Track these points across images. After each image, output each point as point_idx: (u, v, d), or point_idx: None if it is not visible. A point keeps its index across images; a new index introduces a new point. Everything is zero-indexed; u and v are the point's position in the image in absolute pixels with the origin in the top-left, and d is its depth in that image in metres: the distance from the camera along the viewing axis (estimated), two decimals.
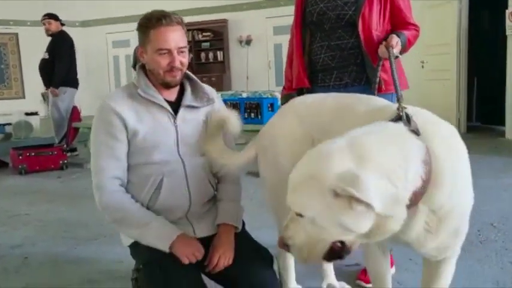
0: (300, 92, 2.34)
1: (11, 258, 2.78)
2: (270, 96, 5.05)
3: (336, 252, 1.25)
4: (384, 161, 1.19)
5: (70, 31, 12.49)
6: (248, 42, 11.08)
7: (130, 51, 12.60)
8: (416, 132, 1.32)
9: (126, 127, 1.86)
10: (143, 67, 1.96)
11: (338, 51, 2.21)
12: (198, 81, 2.03)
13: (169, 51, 1.84)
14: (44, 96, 6.31)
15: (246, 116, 4.67)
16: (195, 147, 1.93)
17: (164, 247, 1.73)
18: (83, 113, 6.74)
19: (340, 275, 2.33)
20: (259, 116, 4.64)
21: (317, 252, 1.26)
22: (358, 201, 1.13)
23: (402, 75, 2.24)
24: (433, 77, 7.23)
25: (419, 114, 1.42)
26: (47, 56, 5.99)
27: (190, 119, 1.95)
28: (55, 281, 2.42)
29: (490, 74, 7.29)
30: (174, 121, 1.92)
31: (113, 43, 12.95)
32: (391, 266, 2.61)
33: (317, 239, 1.23)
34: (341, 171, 1.16)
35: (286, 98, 2.40)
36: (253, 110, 4.66)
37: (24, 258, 2.76)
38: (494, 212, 3.16)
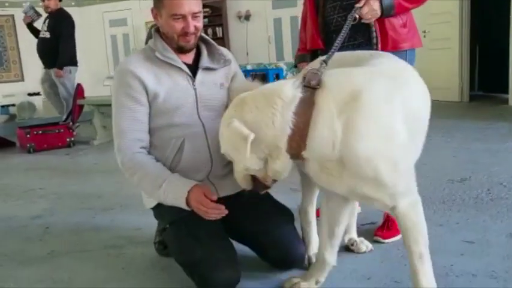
0: (314, 53, 2.36)
1: (33, 228, 2.84)
2: (274, 67, 5.06)
3: (254, 184, 1.57)
4: (255, 112, 1.43)
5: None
6: (247, 17, 10.99)
7: (127, 30, 12.56)
8: (311, 86, 1.42)
9: (146, 89, 1.88)
10: (158, 30, 1.98)
11: (351, 11, 2.18)
12: (214, 43, 2.05)
13: (184, 17, 1.86)
14: (43, 78, 6.19)
15: None
16: (214, 109, 1.96)
17: (181, 204, 1.77)
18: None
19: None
20: None
21: (241, 181, 1.58)
22: (237, 133, 1.41)
23: (416, 33, 2.27)
24: (435, 46, 7.22)
25: (348, 72, 1.51)
26: (48, 35, 5.91)
27: (208, 81, 1.97)
28: (78, 247, 2.48)
29: (493, 42, 7.28)
30: (193, 83, 1.95)
31: (109, 22, 12.84)
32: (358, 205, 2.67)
33: (236, 170, 1.55)
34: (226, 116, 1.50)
35: (300, 58, 2.43)
36: (259, 82, 4.67)
37: (46, 228, 2.82)
38: (503, 172, 3.21)
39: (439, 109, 6.13)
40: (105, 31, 12.92)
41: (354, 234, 2.22)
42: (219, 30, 11.37)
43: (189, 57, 2.00)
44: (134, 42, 12.41)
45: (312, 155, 1.42)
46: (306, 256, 2.04)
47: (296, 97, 1.41)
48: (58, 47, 5.88)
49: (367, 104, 1.37)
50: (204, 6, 11.26)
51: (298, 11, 10.67)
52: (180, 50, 1.95)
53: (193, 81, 1.95)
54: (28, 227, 2.86)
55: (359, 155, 1.36)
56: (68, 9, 12.51)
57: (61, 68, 5.92)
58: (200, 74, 1.97)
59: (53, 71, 5.97)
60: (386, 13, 2.13)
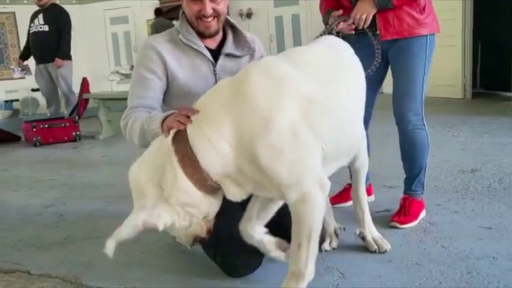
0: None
1: (47, 215, 2.84)
2: None
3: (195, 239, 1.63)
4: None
5: (66, 8, 12.42)
6: (249, 15, 11.01)
7: (128, 27, 12.55)
8: None
9: (165, 66, 1.89)
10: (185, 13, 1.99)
11: None
12: (241, 29, 2.04)
13: None
14: (37, 74, 6.14)
15: None
16: None
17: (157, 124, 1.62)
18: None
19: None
20: None
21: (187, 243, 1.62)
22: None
23: (434, 18, 2.29)
24: (438, 44, 7.22)
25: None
26: (46, 29, 5.85)
27: (230, 68, 1.95)
28: (94, 233, 2.48)
29: (495, 40, 7.31)
30: (214, 69, 1.95)
31: (110, 20, 12.83)
32: (370, 193, 2.67)
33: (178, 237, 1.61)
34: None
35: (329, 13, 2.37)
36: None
37: (60, 215, 2.82)
38: None
39: (444, 105, 6.17)
40: (106, 29, 12.91)
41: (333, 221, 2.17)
42: None
43: (214, 43, 1.99)
44: (135, 40, 12.42)
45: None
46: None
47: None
48: (57, 39, 5.84)
49: (258, 103, 1.42)
50: None
51: (299, 9, 10.75)
52: (202, 35, 1.95)
53: (215, 66, 1.95)
54: (42, 214, 2.87)
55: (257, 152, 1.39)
56: (69, 7, 12.48)
57: (63, 59, 5.89)
58: (222, 60, 1.97)
59: (50, 65, 5.93)
60: (382, 6, 2.16)
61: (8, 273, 2.05)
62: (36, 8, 5.98)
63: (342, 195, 2.68)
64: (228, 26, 2.04)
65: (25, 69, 6.39)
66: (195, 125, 1.43)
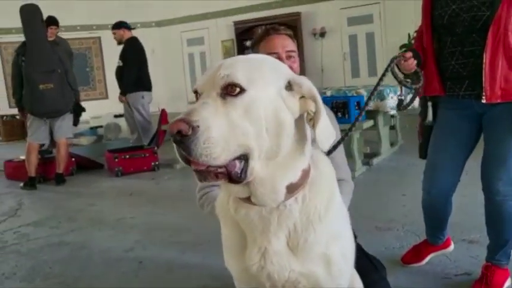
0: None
1: (127, 261, 2.98)
2: (355, 94, 5.00)
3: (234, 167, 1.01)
4: None
5: (146, 31, 13.04)
6: (322, 34, 10.96)
7: (204, 48, 12.94)
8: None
9: None
10: None
11: (472, 58, 2.08)
12: None
13: (278, 56, 1.87)
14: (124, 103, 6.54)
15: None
16: None
17: None
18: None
19: (448, 285, 2.32)
20: (347, 115, 4.59)
21: (227, 152, 0.98)
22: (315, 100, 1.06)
23: None
24: None
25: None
26: (120, 64, 6.24)
27: None
28: (172, 285, 2.56)
29: None
30: None
31: (187, 41, 13.29)
32: (448, 244, 2.58)
33: (236, 134, 0.98)
34: None
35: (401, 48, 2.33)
36: (340, 110, 4.62)
37: (139, 262, 2.95)
38: None
39: None
40: (183, 50, 13.38)
41: None
42: None
43: None
44: (210, 60, 12.78)
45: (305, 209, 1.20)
46: None
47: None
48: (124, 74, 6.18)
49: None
50: (279, 24, 11.39)
51: (374, 27, 10.58)
52: None
53: None
54: (122, 261, 3.00)
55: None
56: (149, 30, 13.19)
57: (124, 94, 6.24)
58: None
59: (127, 97, 6.27)
60: None
61: None
62: None
63: (414, 253, 2.59)
64: None
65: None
66: None
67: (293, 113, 1.06)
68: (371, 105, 5.05)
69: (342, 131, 4.94)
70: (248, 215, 1.13)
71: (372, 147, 5.44)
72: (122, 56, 6.27)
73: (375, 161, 5.16)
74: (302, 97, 1.08)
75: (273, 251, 1.13)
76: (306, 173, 1.13)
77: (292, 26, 11.33)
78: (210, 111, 0.97)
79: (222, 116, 0.97)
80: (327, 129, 1.07)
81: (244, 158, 1.00)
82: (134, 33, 6.54)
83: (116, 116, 7.94)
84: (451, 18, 2.12)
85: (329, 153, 1.91)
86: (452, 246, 2.63)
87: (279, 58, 1.90)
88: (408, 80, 2.22)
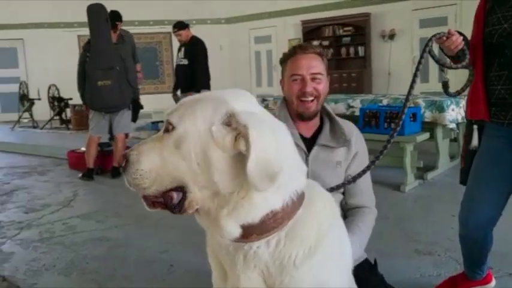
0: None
1: (160, 263, 3.04)
2: (412, 105, 4.77)
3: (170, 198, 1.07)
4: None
5: (216, 28, 13.27)
6: (391, 36, 10.63)
7: (271, 46, 12.95)
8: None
9: None
10: (286, 99, 1.98)
11: None
12: (338, 119, 1.97)
13: (302, 78, 1.85)
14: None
15: (386, 126, 4.47)
16: (326, 187, 1.88)
17: None
18: None
19: None
20: (400, 127, 4.39)
21: (159, 184, 1.06)
22: (245, 138, 0.97)
23: None
24: None
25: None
26: (186, 62, 6.29)
27: (323, 158, 1.91)
28: None
29: None
30: (306, 158, 1.90)
31: (255, 39, 13.36)
32: (489, 280, 2.40)
33: (168, 168, 1.04)
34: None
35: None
36: (393, 120, 4.43)
37: (170, 265, 2.99)
38: None
39: None
40: (251, 47, 13.48)
41: None
42: (361, 49, 11.16)
43: (311, 130, 1.96)
44: (276, 59, 12.77)
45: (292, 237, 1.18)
46: None
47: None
48: (194, 72, 6.25)
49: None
50: (347, 24, 11.26)
51: (447, 29, 9.99)
52: (301, 117, 1.92)
53: (307, 155, 1.90)
54: (156, 262, 3.06)
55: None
56: (218, 27, 13.41)
57: (199, 91, 6.31)
58: (316, 150, 1.92)
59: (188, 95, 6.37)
60: None
61: None
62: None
63: (450, 286, 2.43)
64: (325, 115, 1.98)
65: (177, 100, 6.93)
66: None
67: (223, 150, 1.01)
68: (428, 117, 4.81)
69: (393, 142, 4.76)
70: (219, 248, 1.14)
71: (429, 160, 5.18)
72: (189, 55, 6.36)
73: (430, 175, 4.92)
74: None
75: None
76: (280, 216, 1.07)
77: (360, 27, 11.10)
78: (148, 146, 1.07)
79: (156, 150, 1.05)
80: (263, 168, 0.96)
81: (182, 190, 1.05)
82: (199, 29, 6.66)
83: None
84: (501, 38, 1.95)
85: (353, 179, 1.84)
86: (493, 283, 2.44)
87: (303, 80, 1.85)
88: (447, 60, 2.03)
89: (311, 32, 11.87)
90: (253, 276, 1.10)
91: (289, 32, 12.38)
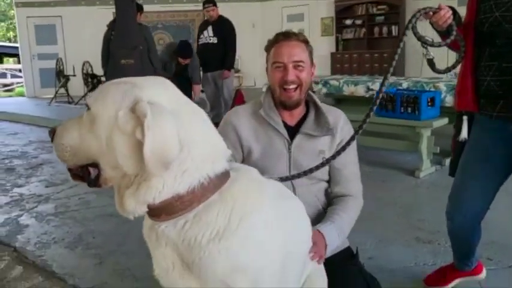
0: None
1: None
2: (432, 89, 4.65)
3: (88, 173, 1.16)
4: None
5: (248, 6, 13.19)
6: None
7: (303, 25, 12.77)
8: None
9: (240, 141, 1.91)
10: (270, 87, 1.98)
11: (509, 76, 1.83)
12: (324, 108, 1.95)
13: (284, 65, 1.83)
14: (204, 81, 6.75)
15: (402, 111, 4.39)
16: (309, 176, 1.88)
17: None
18: (257, 85, 6.97)
19: None
20: (416, 112, 4.30)
21: (76, 159, 1.15)
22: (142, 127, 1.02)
23: None
24: None
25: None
26: (215, 41, 6.33)
27: (306, 147, 1.90)
28: None
29: None
30: (289, 147, 1.90)
31: (287, 17, 13.21)
32: (479, 271, 2.38)
33: (83, 145, 1.12)
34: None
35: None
36: (410, 105, 4.33)
37: None
38: None
39: None
40: (283, 25, 13.33)
41: None
42: (395, 29, 10.87)
43: (294, 119, 1.95)
44: (309, 37, 12.59)
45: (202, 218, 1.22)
46: None
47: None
48: (224, 52, 6.28)
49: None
50: (381, 3, 10.95)
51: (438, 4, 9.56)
52: (283, 106, 1.92)
53: (290, 144, 1.90)
54: None
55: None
56: (252, 5, 13.32)
57: (229, 70, 6.38)
58: (298, 139, 1.90)
59: (217, 74, 6.42)
60: None
61: None
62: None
63: (439, 276, 2.41)
64: (312, 104, 1.96)
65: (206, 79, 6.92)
66: None
67: (126, 135, 1.07)
68: (449, 102, 4.68)
69: (409, 127, 4.67)
70: (145, 225, 1.24)
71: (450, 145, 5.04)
72: (219, 33, 6.37)
73: (448, 161, 4.79)
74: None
75: (160, 265, 1.18)
76: (188, 199, 1.12)
77: (395, 5, 10.78)
78: (71, 123, 1.16)
79: (76, 127, 1.14)
80: (157, 155, 1.02)
81: (98, 167, 1.13)
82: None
83: (202, 91, 8.19)
84: (492, 27, 1.85)
85: (327, 161, 1.83)
86: (484, 273, 2.40)
87: (285, 68, 1.84)
88: (429, 38, 1.88)
89: (344, 10, 11.64)
90: (168, 252, 1.16)
91: (321, 10, 12.18)
